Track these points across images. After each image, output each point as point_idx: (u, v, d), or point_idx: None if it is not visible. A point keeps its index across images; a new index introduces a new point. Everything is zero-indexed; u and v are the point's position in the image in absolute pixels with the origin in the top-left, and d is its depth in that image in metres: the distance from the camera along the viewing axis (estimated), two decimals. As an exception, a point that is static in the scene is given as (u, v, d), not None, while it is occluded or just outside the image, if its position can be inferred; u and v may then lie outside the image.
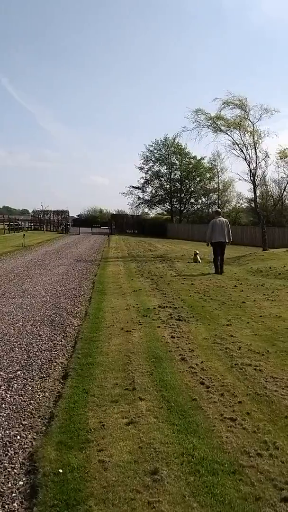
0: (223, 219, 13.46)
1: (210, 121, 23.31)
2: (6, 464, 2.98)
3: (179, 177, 53.60)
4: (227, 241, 13.26)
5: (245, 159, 23.38)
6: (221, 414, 3.62)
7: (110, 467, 2.85)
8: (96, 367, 4.75)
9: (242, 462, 2.90)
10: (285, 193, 39.62)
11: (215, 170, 52.61)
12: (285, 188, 34.32)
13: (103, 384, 4.26)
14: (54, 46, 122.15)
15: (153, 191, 54.54)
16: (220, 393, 4.04)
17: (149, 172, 53.73)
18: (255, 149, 23.09)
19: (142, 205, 55.69)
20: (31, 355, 5.28)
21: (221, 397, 3.95)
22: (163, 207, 56.02)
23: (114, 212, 60.92)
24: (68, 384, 4.29)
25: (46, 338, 6.00)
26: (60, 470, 2.81)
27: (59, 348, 5.60)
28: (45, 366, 4.94)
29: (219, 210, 14.56)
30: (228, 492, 2.58)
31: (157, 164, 53.67)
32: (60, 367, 4.91)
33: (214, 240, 13.22)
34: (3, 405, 3.90)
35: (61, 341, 5.89)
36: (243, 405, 3.80)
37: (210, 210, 54.47)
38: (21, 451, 3.16)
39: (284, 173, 25.45)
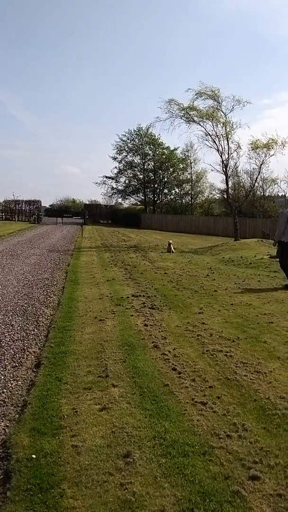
0: None
1: (183, 112, 23.48)
2: (-22, 452, 2.97)
3: (152, 167, 53.52)
4: None
5: (218, 150, 23.65)
6: (192, 398, 3.70)
7: (83, 451, 2.88)
8: (69, 355, 4.76)
9: (212, 443, 2.98)
10: (256, 184, 40.30)
11: (188, 160, 52.93)
12: (256, 179, 34.86)
13: (76, 372, 4.28)
14: (21, 34, 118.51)
15: (127, 181, 54.33)
16: (191, 379, 4.12)
17: (123, 162, 53.47)
18: (227, 140, 23.39)
19: (116, 195, 55.47)
20: (3, 344, 5.24)
21: (193, 382, 4.03)
22: (136, 198, 55.96)
23: (87, 202, 60.62)
24: (41, 372, 4.29)
25: (19, 327, 5.95)
26: (33, 456, 2.82)
27: (31, 337, 5.57)
28: (17, 355, 4.91)
29: None
30: (198, 472, 2.66)
31: (130, 154, 53.45)
32: (32, 356, 4.89)
33: (287, 240, 9.21)
34: (-25, 394, 3.87)
35: (33, 330, 5.87)
36: (214, 389, 3.89)
37: (183, 200, 54.88)
38: (-7, 438, 3.16)
39: (256, 165, 25.70)
